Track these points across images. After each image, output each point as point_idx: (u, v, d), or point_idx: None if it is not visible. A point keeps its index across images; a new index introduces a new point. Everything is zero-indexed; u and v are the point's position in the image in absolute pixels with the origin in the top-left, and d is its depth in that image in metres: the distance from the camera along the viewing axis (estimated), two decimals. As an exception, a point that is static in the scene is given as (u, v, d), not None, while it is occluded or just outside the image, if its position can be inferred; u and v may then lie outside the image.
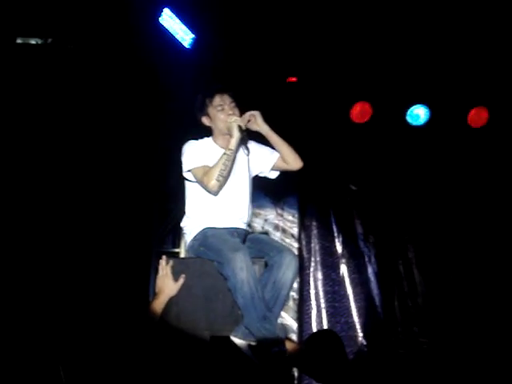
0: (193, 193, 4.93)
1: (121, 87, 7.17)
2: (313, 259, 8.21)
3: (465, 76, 7.67)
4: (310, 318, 8.05)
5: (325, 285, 8.15)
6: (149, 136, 7.47)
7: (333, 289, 8.16)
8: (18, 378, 5.13)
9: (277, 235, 8.11)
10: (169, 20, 6.86)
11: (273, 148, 5.05)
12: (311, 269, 8.18)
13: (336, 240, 8.25)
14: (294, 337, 7.82)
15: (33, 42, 7.01)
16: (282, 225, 8.25)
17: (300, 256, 7.95)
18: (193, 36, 7.14)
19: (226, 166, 4.65)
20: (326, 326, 7.97)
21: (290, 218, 8.30)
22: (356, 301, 8.11)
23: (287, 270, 4.53)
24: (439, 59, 7.55)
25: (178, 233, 7.69)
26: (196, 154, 4.84)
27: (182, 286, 4.60)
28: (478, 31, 7.08)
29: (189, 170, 4.83)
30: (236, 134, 4.71)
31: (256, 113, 4.93)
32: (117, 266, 6.97)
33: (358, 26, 7.14)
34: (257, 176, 5.16)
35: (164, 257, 4.78)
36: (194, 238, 4.81)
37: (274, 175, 5.21)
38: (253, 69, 7.46)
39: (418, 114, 7.81)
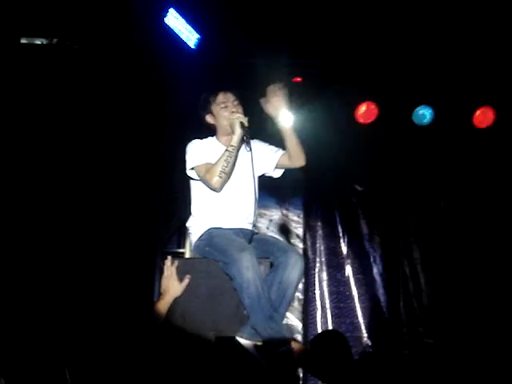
0: (198, 193, 4.94)
1: (126, 87, 7.17)
2: (318, 260, 8.21)
3: (471, 76, 7.65)
4: (315, 318, 8.04)
5: (330, 285, 8.15)
6: (154, 136, 7.47)
7: (338, 289, 8.16)
8: (24, 378, 5.13)
9: (282, 235, 8.11)
10: (174, 20, 6.86)
11: (276, 146, 5.06)
12: (316, 269, 8.18)
13: (341, 240, 8.25)
14: (299, 337, 7.82)
15: (38, 42, 7.00)
16: (287, 225, 8.25)
17: (305, 256, 7.95)
18: (198, 36, 7.13)
19: (228, 163, 4.65)
20: (331, 327, 7.97)
21: (295, 218, 8.30)
22: (361, 301, 8.11)
23: (293, 270, 4.52)
24: (445, 59, 7.53)
25: (183, 233, 7.70)
26: (199, 152, 4.85)
27: (187, 286, 4.60)
28: (484, 31, 7.06)
29: (192, 168, 4.84)
30: (238, 131, 4.71)
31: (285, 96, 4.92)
32: (122, 267, 6.98)
33: (364, 26, 7.13)
34: (262, 176, 5.15)
35: (169, 257, 4.78)
36: (200, 238, 4.80)
37: (278, 174, 5.19)
38: (258, 69, 7.45)
39: (424, 113, 7.79)
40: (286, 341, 4.37)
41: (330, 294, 8.11)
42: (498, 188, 7.95)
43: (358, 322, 8.05)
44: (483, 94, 7.76)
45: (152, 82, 7.27)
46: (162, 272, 4.77)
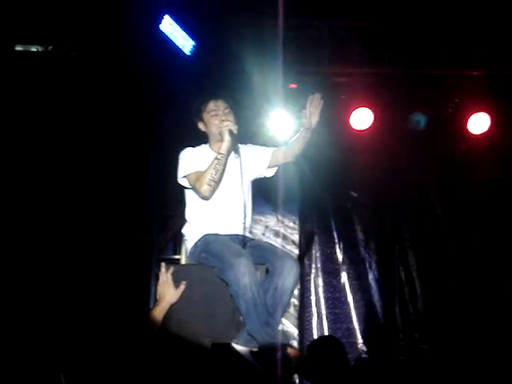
0: (192, 199, 4.95)
1: (121, 94, 7.18)
2: (313, 266, 8.21)
3: (466, 82, 7.68)
4: (310, 324, 8.04)
5: (325, 291, 8.14)
6: (149, 142, 7.48)
7: (333, 295, 8.16)
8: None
9: (278, 242, 8.11)
10: (169, 27, 6.86)
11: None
12: (312, 275, 8.18)
13: (337, 246, 8.26)
14: (295, 343, 7.81)
15: (33, 49, 7.01)
16: (282, 231, 8.25)
17: (301, 262, 7.93)
18: (193, 43, 7.14)
19: (217, 171, 4.69)
20: (326, 333, 7.96)
21: (291, 224, 8.30)
22: (357, 307, 8.11)
23: (288, 276, 4.52)
24: (439, 64, 7.56)
25: (178, 240, 7.69)
26: (190, 161, 4.88)
27: (182, 292, 4.59)
28: (479, 35, 7.09)
29: (184, 177, 4.87)
30: (226, 138, 4.75)
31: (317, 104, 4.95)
32: (118, 274, 6.97)
33: (359, 31, 7.15)
34: (256, 179, 5.18)
35: (164, 264, 4.78)
36: (195, 245, 4.81)
37: (271, 173, 5.23)
38: (253, 75, 7.46)
39: (419, 119, 7.80)
40: (282, 346, 4.37)
41: (326, 299, 8.10)
42: (493, 194, 7.96)
43: (354, 327, 8.05)
44: (478, 99, 7.77)
45: (147, 89, 7.27)
46: (157, 279, 4.77)
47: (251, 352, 4.36)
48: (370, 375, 7.72)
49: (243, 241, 4.81)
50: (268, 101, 7.52)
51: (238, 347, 4.40)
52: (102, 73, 7.12)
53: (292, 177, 7.78)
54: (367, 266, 8.20)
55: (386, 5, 6.90)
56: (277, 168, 5.22)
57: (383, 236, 8.24)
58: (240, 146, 5.04)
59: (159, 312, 4.52)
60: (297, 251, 8.18)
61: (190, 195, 4.98)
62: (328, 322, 8.04)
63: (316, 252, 8.23)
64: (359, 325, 8.04)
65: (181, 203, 5.14)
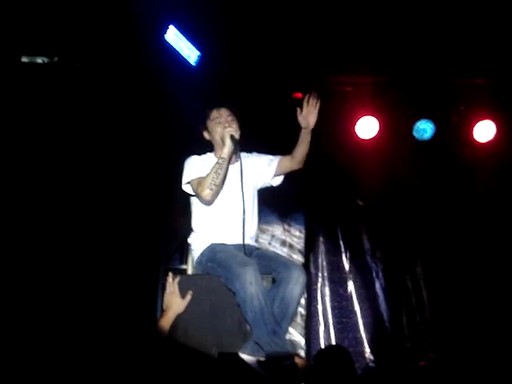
0: (198, 209, 4.97)
1: (127, 105, 7.19)
2: (320, 275, 8.19)
3: (471, 90, 7.68)
4: (317, 333, 8.01)
5: (332, 300, 8.12)
6: (155, 152, 7.48)
7: (340, 304, 8.13)
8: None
9: (284, 251, 8.10)
10: (174, 37, 6.88)
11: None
12: (318, 284, 8.16)
13: (343, 255, 8.24)
14: (302, 353, 7.78)
15: (39, 60, 7.03)
16: (289, 240, 8.24)
17: (307, 272, 7.91)
18: (198, 53, 7.16)
19: (219, 175, 4.72)
20: (333, 342, 7.94)
21: (297, 233, 8.28)
22: (364, 316, 8.08)
23: (295, 285, 4.53)
24: (444, 73, 7.56)
25: (184, 249, 7.69)
26: (194, 167, 4.92)
27: (189, 302, 4.60)
28: (485, 43, 7.08)
29: (187, 183, 4.90)
30: (228, 143, 4.79)
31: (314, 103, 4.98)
32: (124, 284, 6.96)
33: (363, 40, 7.16)
34: (262, 188, 5.20)
35: (171, 273, 4.78)
36: (202, 254, 4.82)
37: (277, 182, 5.26)
38: (258, 85, 7.48)
39: (425, 128, 7.80)
40: (290, 355, 4.36)
41: (333, 309, 8.08)
42: (501, 202, 7.94)
43: (361, 336, 8.02)
44: (484, 108, 7.77)
45: (153, 99, 7.28)
46: (164, 288, 4.77)
47: (258, 361, 4.35)
48: (377, 384, 7.71)
49: (249, 250, 4.81)
50: (273, 110, 7.54)
51: (245, 356, 4.39)
52: (107, 84, 7.14)
53: (298, 186, 7.78)
54: (374, 274, 8.18)
55: (392, 15, 6.90)
56: (283, 177, 5.23)
57: (390, 245, 8.22)
58: (245, 154, 5.08)
59: (166, 322, 4.53)
60: (303, 260, 8.17)
61: (195, 205, 5.00)
62: (335, 331, 8.02)
63: (322, 261, 8.21)
64: (366, 334, 8.02)
65: (187, 213, 5.15)
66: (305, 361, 4.86)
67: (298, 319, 7.91)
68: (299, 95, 7.60)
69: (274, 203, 7.80)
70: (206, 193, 4.72)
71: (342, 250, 8.25)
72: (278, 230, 8.24)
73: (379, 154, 8.13)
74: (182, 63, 7.10)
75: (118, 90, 7.15)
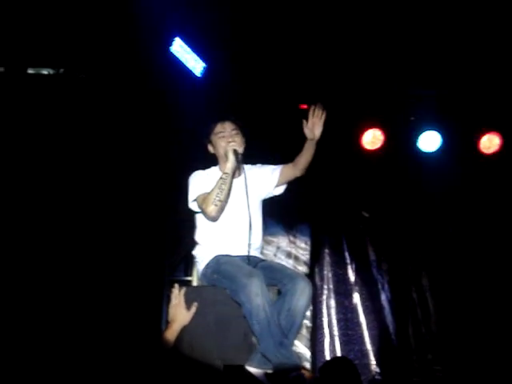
0: (202, 221, 4.95)
1: (132, 116, 7.20)
2: (325, 287, 8.18)
3: (477, 102, 7.67)
4: (323, 346, 8.00)
5: (338, 312, 8.11)
6: (160, 164, 7.48)
7: (346, 316, 8.12)
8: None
9: (289, 263, 8.09)
10: (180, 49, 6.89)
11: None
12: (324, 296, 8.15)
13: (349, 267, 8.23)
14: (308, 365, 7.76)
15: (45, 72, 7.05)
16: (294, 252, 8.23)
17: (313, 283, 7.90)
18: (204, 65, 7.17)
19: (223, 190, 4.69)
20: (339, 354, 7.92)
21: (303, 245, 8.28)
22: (369, 328, 8.07)
23: (301, 297, 4.50)
24: (451, 84, 7.56)
25: (189, 261, 7.69)
26: (199, 184, 4.90)
27: (194, 314, 4.58)
28: (491, 56, 7.08)
29: (193, 200, 4.88)
30: (231, 158, 4.77)
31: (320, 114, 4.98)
32: (129, 295, 6.96)
33: (368, 52, 7.16)
34: (266, 198, 5.19)
35: (176, 285, 4.77)
36: (207, 266, 4.80)
37: (279, 191, 5.23)
38: (264, 96, 7.49)
39: (430, 140, 7.79)
40: (297, 366, 4.34)
41: (338, 321, 8.07)
42: (507, 214, 7.92)
43: (367, 349, 8.00)
44: (489, 119, 7.76)
45: (158, 111, 7.29)
46: (169, 300, 4.75)
47: (265, 374, 4.33)
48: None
49: (254, 262, 4.79)
50: (279, 121, 7.54)
51: (252, 369, 4.36)
52: (112, 95, 7.15)
53: (304, 198, 7.78)
54: (380, 286, 8.17)
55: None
56: (285, 186, 5.23)
57: (396, 257, 8.21)
58: (248, 166, 5.06)
59: (171, 334, 4.50)
60: (309, 272, 8.15)
61: (200, 217, 4.99)
62: (340, 344, 8.00)
63: (328, 273, 8.21)
64: (372, 346, 8.00)
65: (191, 224, 5.14)
66: (311, 373, 4.85)
67: (304, 331, 7.90)
68: (305, 107, 7.60)
69: (279, 215, 7.80)
70: (211, 209, 4.70)
71: (348, 261, 8.24)
72: (283, 241, 8.24)
73: (384, 166, 8.12)
74: (188, 75, 7.11)
75: (123, 102, 7.16)
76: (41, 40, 6.68)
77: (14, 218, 6.69)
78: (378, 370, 7.92)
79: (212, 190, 4.72)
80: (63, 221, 6.89)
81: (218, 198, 4.68)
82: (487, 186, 7.99)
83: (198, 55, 7.09)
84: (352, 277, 8.22)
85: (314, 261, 8.22)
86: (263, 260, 5.01)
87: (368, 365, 7.94)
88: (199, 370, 4.50)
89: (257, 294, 4.26)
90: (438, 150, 7.84)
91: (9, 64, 6.84)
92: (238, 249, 4.82)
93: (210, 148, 5.10)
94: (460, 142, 7.88)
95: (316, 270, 8.20)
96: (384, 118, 7.88)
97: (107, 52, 6.83)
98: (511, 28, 6.73)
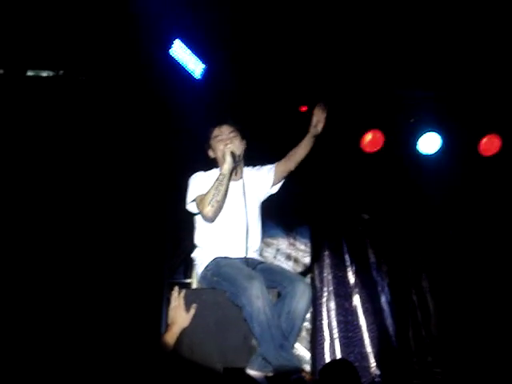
0: (201, 223, 4.96)
1: (132, 118, 7.20)
2: (325, 289, 8.16)
3: (476, 104, 7.66)
4: (323, 348, 7.97)
5: (338, 315, 8.09)
6: (160, 167, 7.48)
7: (346, 319, 8.10)
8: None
9: (289, 265, 8.08)
10: (180, 51, 6.89)
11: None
12: (324, 299, 8.13)
13: (349, 269, 8.21)
14: (308, 367, 7.75)
15: (44, 74, 7.04)
16: (294, 254, 8.22)
17: (312, 286, 7.90)
18: (203, 66, 7.16)
19: (219, 191, 4.71)
20: (339, 357, 7.90)
21: (303, 247, 8.27)
22: (369, 331, 8.05)
23: (301, 299, 4.50)
24: (450, 86, 7.56)
25: (189, 263, 7.67)
26: (198, 185, 4.92)
27: (194, 316, 4.57)
28: (491, 59, 7.08)
29: (192, 201, 4.89)
30: (228, 160, 4.80)
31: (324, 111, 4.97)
32: (129, 298, 6.94)
33: (368, 54, 7.16)
34: (264, 199, 5.20)
35: (176, 288, 4.76)
36: (207, 268, 4.80)
37: (276, 189, 5.25)
38: (264, 98, 7.48)
39: (430, 142, 7.79)
40: (298, 369, 4.33)
41: (338, 323, 8.05)
42: (507, 216, 7.92)
43: (367, 351, 7.98)
44: (489, 121, 7.76)
45: (157, 113, 7.28)
46: (169, 303, 4.75)
47: (266, 377, 4.33)
48: (383, 399, 7.67)
49: (253, 264, 4.79)
50: (278, 123, 7.53)
51: (253, 372, 4.36)
52: (112, 97, 7.14)
53: (303, 200, 7.78)
54: (380, 289, 8.15)
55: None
56: (282, 183, 5.24)
57: (396, 259, 8.19)
58: (248, 169, 5.07)
59: (171, 337, 4.50)
60: (309, 274, 8.14)
61: (199, 219, 4.99)
62: (340, 346, 7.97)
63: (328, 275, 8.19)
64: (372, 348, 7.98)
65: (191, 226, 5.14)
66: (310, 376, 4.84)
67: (304, 333, 7.88)
68: (305, 109, 7.60)
69: (279, 217, 7.80)
70: (208, 210, 4.72)
71: (348, 264, 8.22)
72: (283, 243, 8.22)
73: (384, 168, 8.12)
74: (187, 77, 7.10)
75: (123, 104, 7.16)
76: (40, 42, 6.67)
77: (12, 222, 6.68)
78: (378, 372, 7.90)
79: (209, 191, 4.74)
80: (63, 223, 6.88)
81: (214, 199, 4.69)
82: (487, 188, 7.99)
83: (197, 57, 7.08)
84: (352, 279, 8.20)
85: (314, 263, 8.21)
86: (262, 262, 5.01)
87: (368, 367, 7.92)
88: (199, 373, 4.50)
89: (257, 297, 4.26)
90: (437, 152, 7.83)
91: (8, 66, 6.84)
92: (236, 251, 4.83)
93: (211, 153, 5.13)
94: (460, 144, 7.87)
95: (316, 272, 8.18)
96: (384, 120, 7.87)
97: (107, 54, 6.82)
98: (510, 29, 6.73)
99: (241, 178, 4.95)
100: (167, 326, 4.63)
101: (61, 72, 7.02)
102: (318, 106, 5.00)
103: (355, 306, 8.12)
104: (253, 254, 4.91)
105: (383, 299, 8.12)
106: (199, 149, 5.31)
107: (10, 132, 6.76)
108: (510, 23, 6.66)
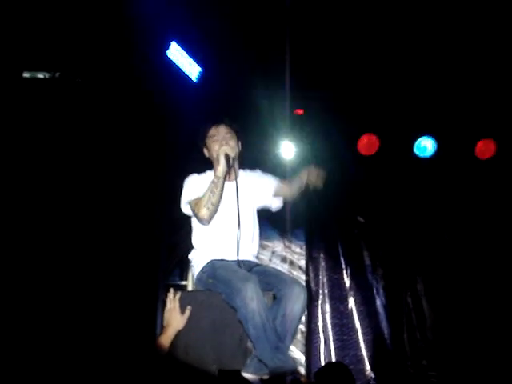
0: (198, 225, 4.95)
1: (128, 120, 7.20)
2: (321, 292, 8.18)
3: (472, 108, 7.68)
4: (318, 351, 7.99)
5: (333, 317, 8.11)
6: (155, 169, 7.48)
7: (341, 321, 8.12)
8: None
9: (284, 267, 8.09)
10: (176, 53, 6.90)
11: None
12: (319, 301, 8.15)
13: (344, 272, 8.23)
14: (302, 370, 7.76)
15: (40, 75, 7.04)
16: (289, 257, 8.23)
17: (308, 288, 7.90)
18: (200, 69, 7.17)
19: (214, 193, 4.68)
20: (334, 359, 7.92)
21: (298, 250, 8.28)
22: (364, 333, 8.06)
23: (296, 302, 4.49)
24: (447, 90, 7.57)
25: (185, 265, 7.68)
26: (192, 187, 4.88)
27: (189, 319, 4.56)
28: (486, 62, 7.09)
29: (187, 203, 4.87)
30: (222, 161, 4.75)
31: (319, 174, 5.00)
32: (124, 300, 6.94)
33: (365, 58, 7.17)
34: (263, 209, 5.17)
35: (171, 290, 4.76)
36: (202, 271, 4.79)
37: (276, 204, 5.19)
38: (259, 101, 7.49)
39: (426, 145, 7.80)
40: (294, 370, 4.33)
41: (333, 326, 8.07)
42: (501, 219, 7.93)
43: (362, 354, 8.00)
44: (485, 125, 7.77)
45: (154, 115, 7.29)
46: (164, 305, 4.74)
47: (261, 380, 4.32)
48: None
49: (249, 266, 4.79)
50: (274, 126, 7.54)
51: (248, 375, 4.35)
52: (108, 99, 7.14)
53: (299, 202, 7.78)
54: (375, 292, 8.17)
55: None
56: (282, 199, 5.19)
57: (391, 262, 8.21)
58: (246, 171, 5.06)
59: (166, 339, 4.49)
60: (304, 277, 8.16)
61: (194, 221, 4.99)
62: (335, 349, 7.99)
63: (323, 278, 8.21)
64: (367, 351, 7.99)
65: (187, 228, 5.14)
66: (305, 378, 4.84)
67: (299, 336, 7.89)
68: (301, 112, 7.61)
69: (274, 219, 7.79)
70: (203, 212, 4.70)
71: (343, 266, 8.24)
72: (278, 246, 8.24)
73: (380, 171, 8.13)
74: (184, 79, 7.11)
75: (119, 106, 7.16)
76: (36, 44, 6.67)
77: (9, 224, 6.67)
78: (372, 375, 7.92)
79: (204, 194, 4.72)
80: (59, 226, 6.88)
81: (210, 202, 4.68)
82: (482, 191, 8.00)
83: (194, 60, 7.09)
84: (347, 282, 8.22)
85: (309, 265, 8.22)
86: (258, 264, 4.99)
87: (363, 370, 7.94)
88: (194, 375, 4.49)
89: (252, 299, 4.25)
90: (433, 156, 7.84)
91: (4, 68, 6.83)
92: (231, 253, 4.82)
93: (205, 151, 5.09)
94: (455, 148, 7.88)
95: (311, 274, 8.20)
96: (379, 124, 7.89)
97: (103, 56, 6.82)
98: (507, 34, 6.75)
99: (235, 179, 4.93)
100: (162, 328, 4.61)
101: (57, 74, 7.02)
102: (308, 170, 4.98)
103: (350, 309, 8.14)
104: (248, 257, 4.90)
105: (378, 302, 8.13)
106: (194, 151, 5.30)
107: (6, 133, 6.75)
108: (506, 28, 6.68)
